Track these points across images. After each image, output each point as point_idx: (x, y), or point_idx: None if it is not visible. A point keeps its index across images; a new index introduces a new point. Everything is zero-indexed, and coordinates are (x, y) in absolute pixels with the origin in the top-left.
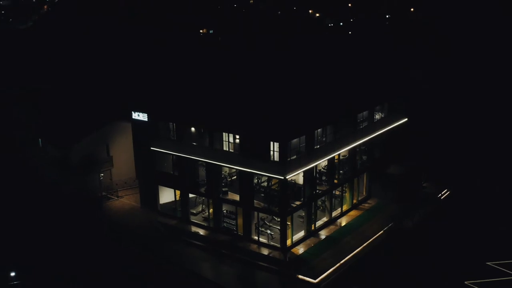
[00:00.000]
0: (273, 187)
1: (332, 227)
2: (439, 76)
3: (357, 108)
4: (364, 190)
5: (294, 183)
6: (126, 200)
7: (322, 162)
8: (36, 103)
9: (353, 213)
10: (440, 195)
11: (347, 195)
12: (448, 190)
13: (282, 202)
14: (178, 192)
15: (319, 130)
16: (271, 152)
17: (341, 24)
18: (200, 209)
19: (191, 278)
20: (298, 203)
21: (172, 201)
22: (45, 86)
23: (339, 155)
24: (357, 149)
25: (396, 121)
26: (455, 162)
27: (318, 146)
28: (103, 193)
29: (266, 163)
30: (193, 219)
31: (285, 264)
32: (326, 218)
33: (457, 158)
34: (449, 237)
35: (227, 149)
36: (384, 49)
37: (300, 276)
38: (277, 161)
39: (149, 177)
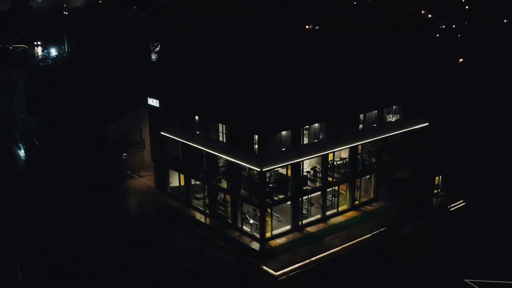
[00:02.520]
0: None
1: (322, 224)
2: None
3: (359, 108)
4: (372, 192)
5: (281, 177)
6: (145, 180)
7: (316, 159)
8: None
9: (351, 214)
10: (451, 205)
11: (347, 195)
12: (464, 201)
13: (260, 193)
14: (182, 176)
15: (315, 126)
16: (253, 144)
17: (454, 26)
18: (204, 194)
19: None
20: (282, 196)
21: (181, 185)
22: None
23: (333, 153)
24: (365, 150)
25: (413, 125)
26: (482, 173)
27: (314, 141)
28: (128, 172)
29: (248, 154)
30: (195, 203)
31: (256, 254)
32: (319, 215)
33: (484, 169)
34: (438, 248)
35: (222, 139)
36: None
37: (264, 267)
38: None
39: (161, 160)
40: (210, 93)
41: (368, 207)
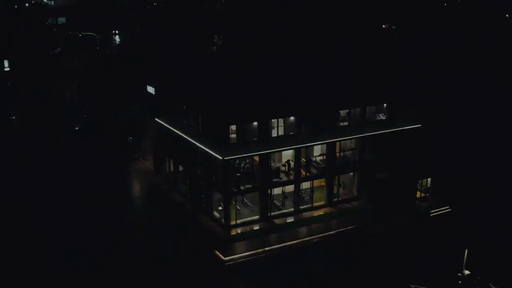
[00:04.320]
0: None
1: (293, 217)
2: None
3: (335, 106)
4: (355, 190)
5: (249, 167)
6: (147, 163)
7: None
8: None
9: (326, 210)
10: (433, 211)
11: (323, 191)
12: (450, 207)
13: (223, 181)
14: (172, 162)
15: (290, 119)
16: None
17: None
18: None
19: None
20: (248, 186)
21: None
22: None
23: (306, 148)
24: (347, 147)
25: (400, 126)
26: (476, 179)
27: (290, 134)
28: (135, 155)
29: (216, 142)
30: (181, 188)
31: (215, 239)
32: (292, 208)
33: (479, 176)
34: (401, 252)
35: (199, 127)
36: None
37: (216, 252)
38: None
39: (157, 145)
40: (190, 82)
41: (346, 205)
